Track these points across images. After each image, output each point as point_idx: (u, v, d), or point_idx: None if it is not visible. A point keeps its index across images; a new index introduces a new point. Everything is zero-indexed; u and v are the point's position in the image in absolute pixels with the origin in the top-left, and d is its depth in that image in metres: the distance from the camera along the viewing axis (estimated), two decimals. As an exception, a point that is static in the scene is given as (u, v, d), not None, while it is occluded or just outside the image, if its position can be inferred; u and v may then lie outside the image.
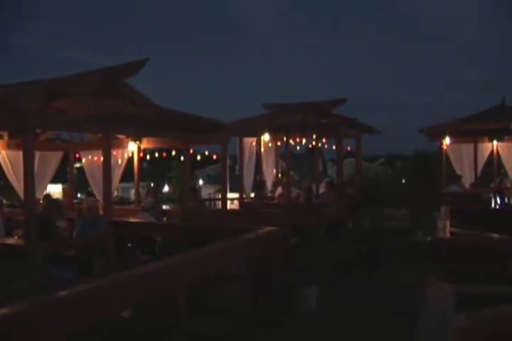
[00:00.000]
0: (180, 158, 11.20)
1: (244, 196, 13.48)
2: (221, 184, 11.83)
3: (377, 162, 54.57)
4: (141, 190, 12.89)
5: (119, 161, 11.42)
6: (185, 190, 10.66)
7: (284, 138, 13.84)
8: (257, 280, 6.08)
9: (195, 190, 12.37)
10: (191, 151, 10.83)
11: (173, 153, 12.18)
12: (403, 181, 19.39)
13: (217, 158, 11.96)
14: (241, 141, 13.37)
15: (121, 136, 10.78)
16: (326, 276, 7.91)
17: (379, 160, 56.66)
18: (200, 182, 47.07)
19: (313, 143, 14.07)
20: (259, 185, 14.01)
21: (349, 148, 14.67)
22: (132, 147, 11.16)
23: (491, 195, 15.02)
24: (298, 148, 15.06)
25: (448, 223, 5.60)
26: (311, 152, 17.31)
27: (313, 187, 13.67)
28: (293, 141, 14.07)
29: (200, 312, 5.72)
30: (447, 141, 15.57)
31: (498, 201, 14.86)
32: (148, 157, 12.48)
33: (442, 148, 16.02)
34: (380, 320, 6.12)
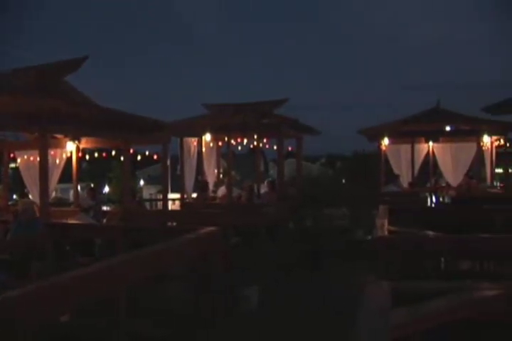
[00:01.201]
0: (120, 158, 11.03)
1: (185, 196, 13.41)
2: (162, 184, 11.73)
3: (318, 162, 55.37)
4: (80, 190, 12.61)
5: (57, 161, 11.13)
6: (125, 190, 10.50)
7: (226, 138, 13.83)
8: (199, 281, 6.05)
9: (133, 191, 12.22)
10: (131, 151, 10.68)
11: (113, 153, 11.96)
12: (343, 181, 19.74)
13: (158, 158, 11.83)
14: (182, 140, 13.29)
15: (59, 136, 10.51)
16: (268, 276, 7.94)
17: (320, 161, 57.51)
18: (141, 182, 46.46)
19: (255, 143, 14.13)
20: (202, 186, 13.96)
21: (290, 149, 14.82)
22: (71, 147, 10.90)
23: (427, 194, 15.50)
24: (239, 148, 15.09)
25: (386, 222, 5.73)
26: (252, 152, 17.39)
27: (255, 187, 13.72)
28: (234, 141, 14.08)
29: (141, 312, 5.65)
30: (386, 141, 15.97)
31: (434, 200, 15.35)
32: (87, 157, 12.21)
33: (381, 149, 16.41)
34: (321, 320, 6.19)
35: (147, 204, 17.83)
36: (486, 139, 15.60)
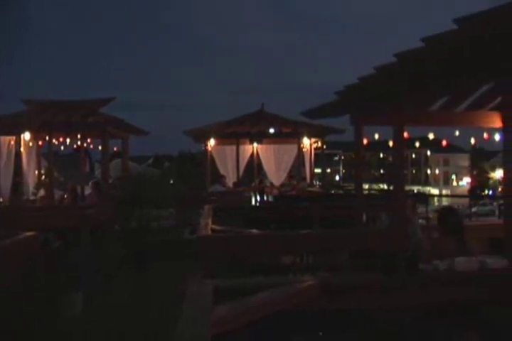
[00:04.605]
0: None
1: (1, 200, 12.54)
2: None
3: (145, 163, 54.89)
4: None
5: None
6: None
7: (47, 138, 13.15)
8: (19, 288, 5.70)
9: None
10: None
11: None
12: (171, 181, 19.74)
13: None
14: (-3, 139, 12.40)
15: None
16: (93, 279, 7.70)
17: (147, 161, 57.08)
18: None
19: (79, 142, 13.62)
20: (13, 186, 13.10)
21: (116, 149, 14.50)
22: None
23: (252, 193, 16.05)
24: (62, 147, 14.46)
25: (210, 221, 5.83)
26: (76, 152, 16.74)
27: (79, 188, 13.23)
28: (56, 140, 13.45)
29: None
30: (212, 142, 16.26)
31: (258, 199, 15.93)
32: None
33: (207, 150, 16.70)
34: (146, 322, 6.14)
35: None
36: (306, 141, 16.57)
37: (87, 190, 13.19)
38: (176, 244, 9.22)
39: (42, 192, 13.24)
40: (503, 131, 4.16)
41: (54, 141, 13.37)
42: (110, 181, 13.19)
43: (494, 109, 6.40)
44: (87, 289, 7.11)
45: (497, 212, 16.19)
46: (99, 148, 13.00)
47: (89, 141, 13.77)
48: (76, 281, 7.25)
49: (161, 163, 51.39)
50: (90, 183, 13.23)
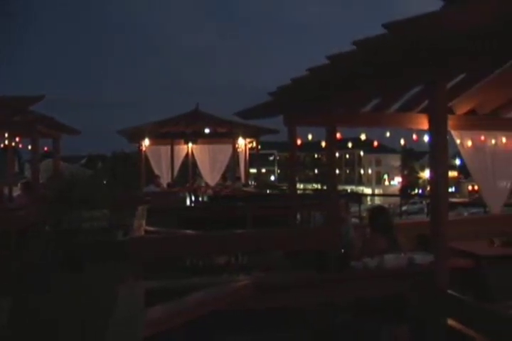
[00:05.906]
0: None
1: None
2: None
3: (78, 163, 53.77)
4: None
5: None
6: None
7: (-29, 136, 12.65)
8: None
9: None
10: None
11: None
12: (105, 181, 19.40)
13: None
14: None
15: None
16: (21, 283, 7.46)
17: (80, 161, 55.93)
18: None
19: (6, 142, 13.16)
20: None
21: (46, 149, 14.11)
22: None
23: (187, 193, 15.97)
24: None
25: (143, 222, 5.77)
26: (4, 151, 16.16)
27: (7, 189, 12.79)
28: (-19, 139, 12.97)
29: None
30: (146, 142, 16.08)
31: (193, 199, 15.87)
32: None
33: (141, 150, 16.50)
34: (78, 322, 6.00)
35: None
36: (241, 141, 16.64)
37: (16, 191, 12.78)
38: (108, 245, 9.05)
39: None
40: (430, 132, 4.31)
41: (-21, 139, 12.88)
42: (41, 182, 12.82)
43: (422, 111, 6.63)
44: (15, 293, 6.88)
45: (426, 210, 16.79)
46: (29, 147, 12.60)
47: (17, 139, 13.31)
48: (3, 285, 7.01)
49: (94, 163, 50.37)
50: (20, 184, 12.81)
